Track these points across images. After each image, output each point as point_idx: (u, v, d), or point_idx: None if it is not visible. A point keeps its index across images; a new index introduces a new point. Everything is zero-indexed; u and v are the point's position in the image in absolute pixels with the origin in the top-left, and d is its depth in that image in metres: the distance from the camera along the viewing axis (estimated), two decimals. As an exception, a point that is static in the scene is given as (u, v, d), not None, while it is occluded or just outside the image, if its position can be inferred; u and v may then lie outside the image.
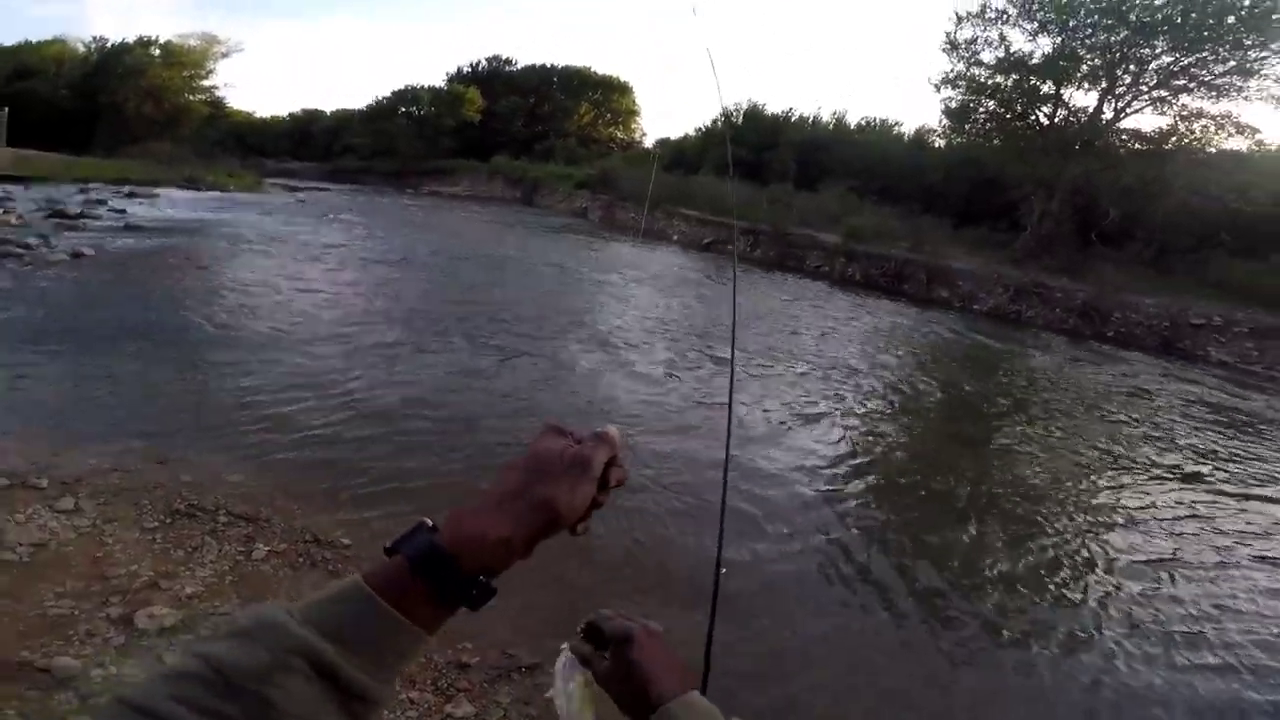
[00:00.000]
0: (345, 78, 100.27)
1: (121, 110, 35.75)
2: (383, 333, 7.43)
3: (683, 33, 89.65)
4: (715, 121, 26.58)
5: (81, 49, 39.69)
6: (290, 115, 51.56)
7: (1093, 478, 6.11)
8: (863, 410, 7.14)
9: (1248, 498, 6.08)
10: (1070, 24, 21.08)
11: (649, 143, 39.57)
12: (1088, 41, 20.95)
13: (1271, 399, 10.88)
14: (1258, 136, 20.80)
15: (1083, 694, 3.22)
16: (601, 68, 45.61)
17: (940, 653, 3.39)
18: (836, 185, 20.60)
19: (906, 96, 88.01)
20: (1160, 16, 19.59)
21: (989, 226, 19.21)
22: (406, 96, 42.55)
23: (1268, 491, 6.32)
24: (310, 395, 5.39)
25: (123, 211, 14.89)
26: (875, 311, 13.26)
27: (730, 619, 3.31)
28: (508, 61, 46.39)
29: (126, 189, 18.97)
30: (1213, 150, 21.25)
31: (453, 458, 4.63)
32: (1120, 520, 5.19)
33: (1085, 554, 4.55)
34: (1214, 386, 11.22)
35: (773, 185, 21.01)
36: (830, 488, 5.04)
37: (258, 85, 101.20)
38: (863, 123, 26.47)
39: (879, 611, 3.67)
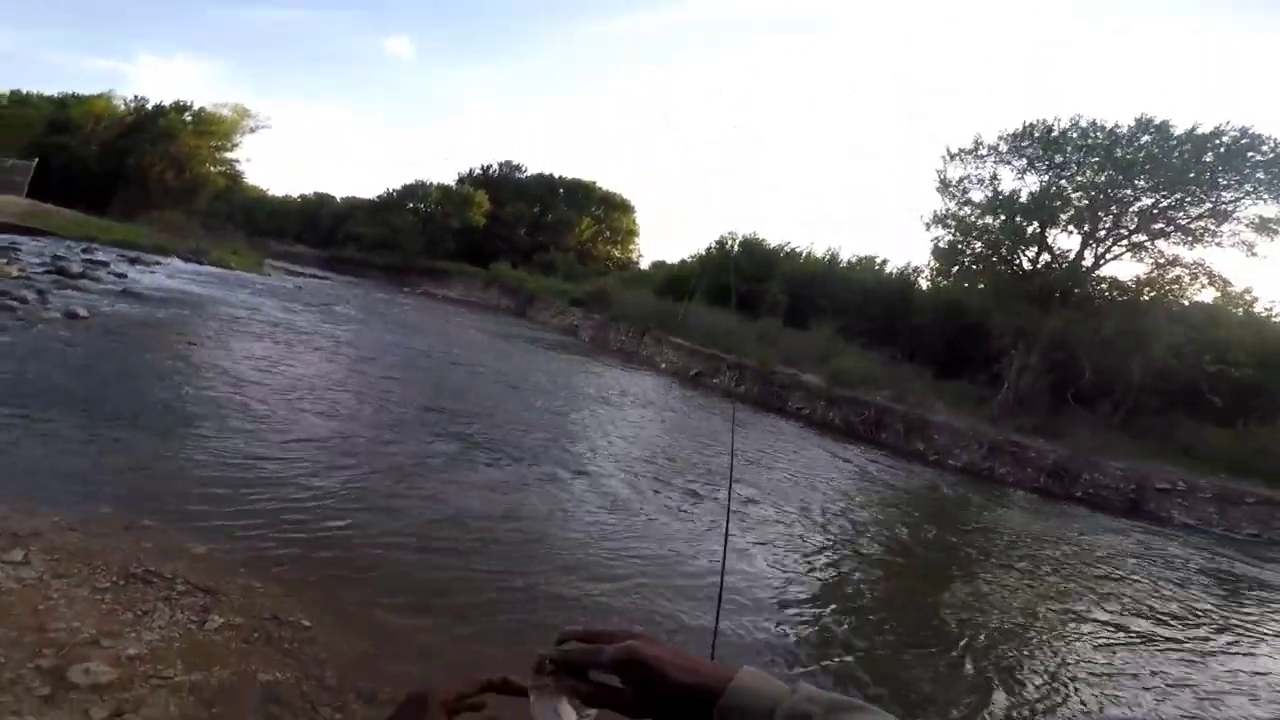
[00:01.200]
0: (358, 165, 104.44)
1: (145, 175, 36.71)
2: (364, 431, 7.46)
3: (677, 156, 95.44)
4: (710, 249, 27.89)
5: (122, 107, 40.59)
6: (301, 197, 53.30)
7: (1039, 624, 6.26)
8: (839, 554, 7.22)
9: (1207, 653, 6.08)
10: (1058, 160, 21.92)
11: (645, 264, 41.13)
12: (1075, 180, 21.71)
13: (1225, 558, 11.07)
14: (1228, 289, 21.65)
15: None
16: (605, 184, 48.08)
17: None
18: (825, 324, 21.13)
19: (893, 231, 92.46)
20: (1144, 155, 20.45)
21: (969, 379, 19.74)
22: (416, 192, 44.05)
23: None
24: (285, 481, 5.40)
25: (123, 276, 15.11)
26: (853, 459, 13.38)
27: None
28: (517, 167, 48.75)
29: (132, 254, 19.27)
30: (1186, 303, 22.04)
31: (427, 555, 4.69)
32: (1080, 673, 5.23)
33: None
34: (1181, 549, 11.37)
35: (763, 319, 21.60)
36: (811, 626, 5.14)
37: (273, 163, 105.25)
38: (853, 260, 27.58)
39: None
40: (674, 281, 25.09)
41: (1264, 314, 22.71)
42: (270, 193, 52.05)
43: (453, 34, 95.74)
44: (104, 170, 36.09)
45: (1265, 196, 19.34)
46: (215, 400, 7.25)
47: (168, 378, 7.73)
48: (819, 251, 27.97)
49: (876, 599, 6.37)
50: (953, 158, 23.29)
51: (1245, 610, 8.56)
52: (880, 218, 76.14)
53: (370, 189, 62.71)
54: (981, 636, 5.75)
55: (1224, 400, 19.61)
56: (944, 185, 23.51)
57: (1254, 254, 19.74)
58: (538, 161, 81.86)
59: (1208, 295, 21.94)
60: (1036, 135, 21.95)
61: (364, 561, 4.36)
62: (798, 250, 27.91)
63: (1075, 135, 21.59)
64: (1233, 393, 19.77)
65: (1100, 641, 6.29)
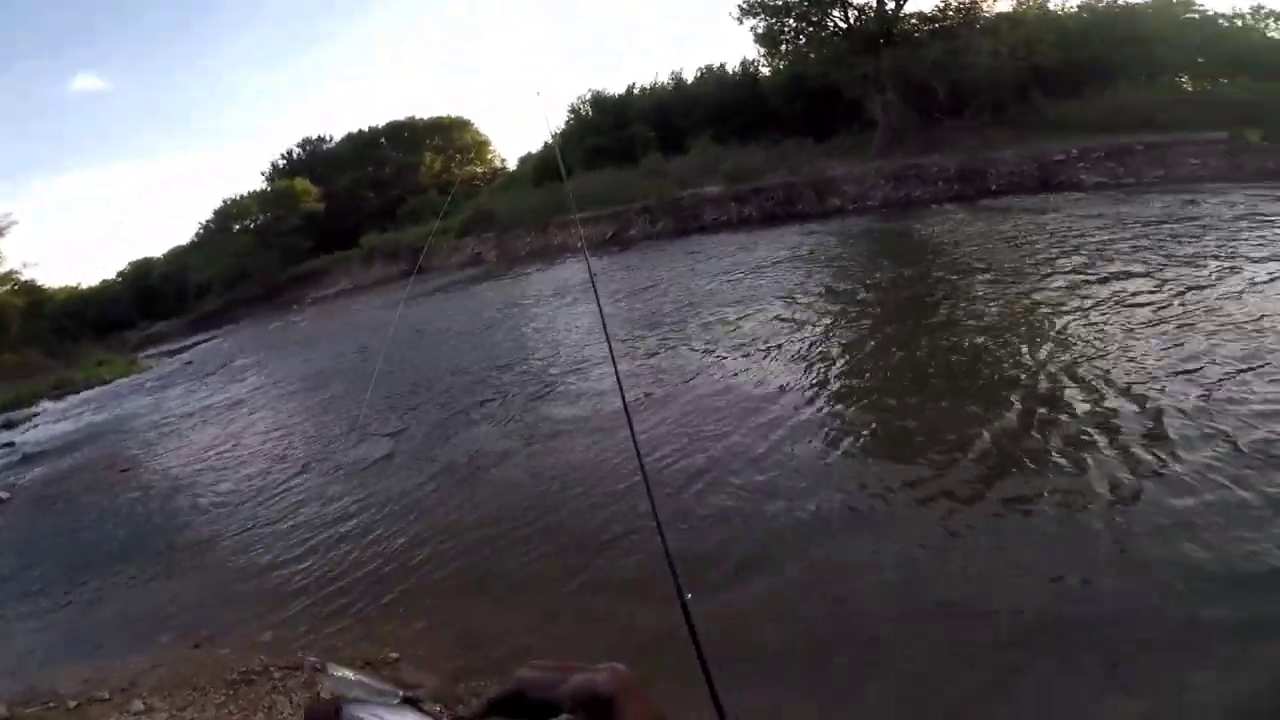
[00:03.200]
0: (161, 216, 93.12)
1: None
2: (326, 467, 7.07)
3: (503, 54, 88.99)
4: (568, 121, 26.92)
5: None
6: (119, 274, 47.73)
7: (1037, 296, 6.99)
8: (826, 323, 7.78)
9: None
10: None
11: (513, 164, 39.27)
12: None
13: (1141, 201, 12.34)
14: None
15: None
16: (428, 112, 44.76)
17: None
18: (698, 139, 21.25)
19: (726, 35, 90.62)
20: None
21: (845, 133, 20.39)
22: (231, 211, 40.02)
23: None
24: (295, 540, 5.40)
25: (10, 444, 13.48)
26: (784, 237, 13.95)
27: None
28: (322, 139, 44.78)
29: (0, 418, 17.16)
30: (990, 16, 23.69)
31: (468, 558, 4.55)
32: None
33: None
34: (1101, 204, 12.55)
35: (643, 160, 21.53)
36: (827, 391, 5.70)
37: (68, 252, 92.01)
38: (699, 74, 27.39)
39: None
40: (546, 166, 24.26)
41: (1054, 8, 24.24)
42: (83, 285, 46.27)
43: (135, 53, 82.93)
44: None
45: None
46: (180, 509, 6.90)
47: (125, 510, 7.32)
48: (664, 79, 27.68)
49: (876, 349, 6.77)
50: None
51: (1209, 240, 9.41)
52: (702, 28, 74.32)
53: (183, 232, 56.47)
54: (978, 343, 6.23)
55: (1068, 80, 21.25)
56: None
57: None
58: (344, 123, 75.09)
59: (1006, 4, 23.30)
60: None
61: (405, 583, 4.34)
62: (645, 87, 27.33)
63: None
64: (1067, 72, 21.37)
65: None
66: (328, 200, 39.01)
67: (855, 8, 23.51)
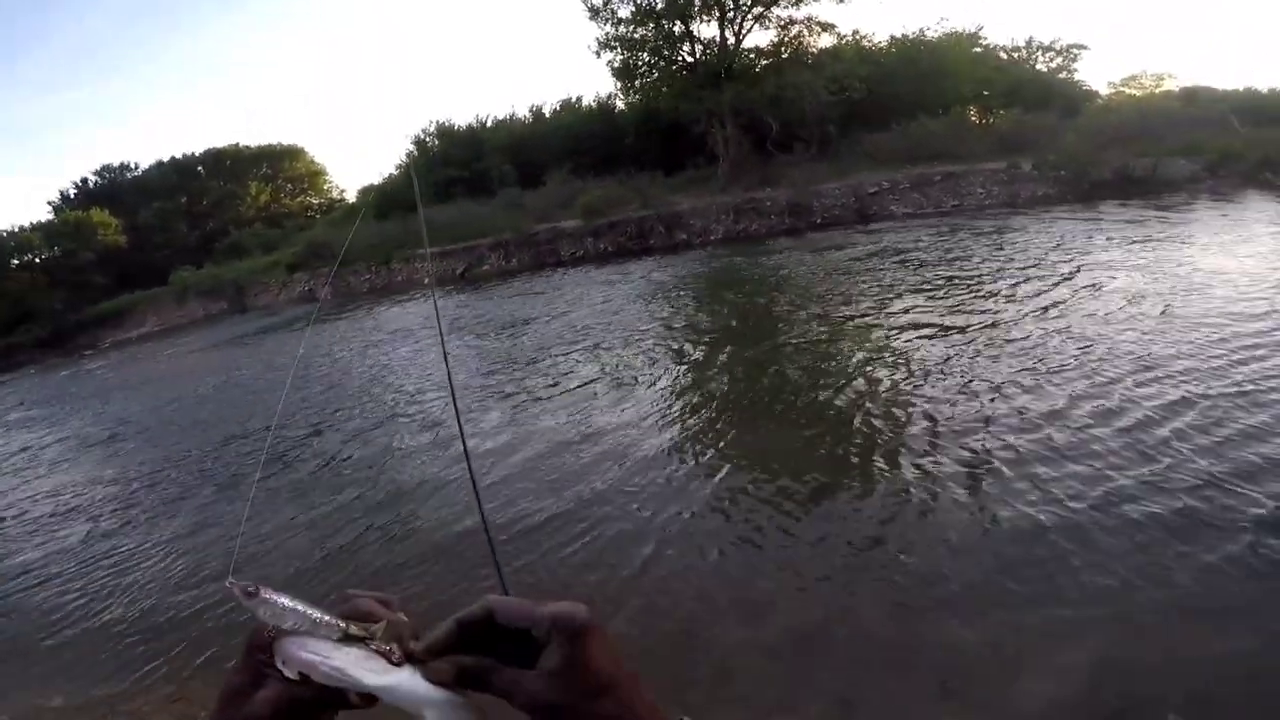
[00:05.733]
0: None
1: None
2: (135, 529, 5.91)
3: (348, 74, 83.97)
4: (410, 153, 25.81)
5: None
6: None
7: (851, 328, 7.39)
8: (668, 357, 7.80)
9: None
10: None
11: (351, 195, 36.90)
12: None
13: (938, 229, 13.97)
14: (837, 30, 25.64)
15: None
16: (260, 140, 41.13)
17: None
18: (555, 173, 21.30)
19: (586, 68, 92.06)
20: None
21: (692, 167, 21.28)
22: (9, 246, 34.31)
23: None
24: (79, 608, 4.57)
25: None
26: (636, 272, 14.13)
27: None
28: (125, 166, 39.82)
29: None
30: (814, 51, 26.24)
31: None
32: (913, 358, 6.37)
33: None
34: (904, 233, 13.99)
35: (500, 193, 21.16)
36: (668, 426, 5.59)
37: None
38: (557, 107, 27.46)
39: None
40: (390, 197, 23.02)
41: (868, 44, 27.16)
42: None
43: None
44: None
45: None
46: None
47: None
48: (521, 113, 27.52)
49: (714, 376, 6.95)
50: None
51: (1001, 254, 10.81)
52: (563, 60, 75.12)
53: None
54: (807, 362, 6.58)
55: (881, 112, 23.76)
56: (594, 12, 24.47)
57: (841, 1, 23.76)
58: (156, 150, 67.14)
59: (827, 40, 25.91)
60: None
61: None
62: (501, 118, 27.03)
63: None
64: (880, 105, 23.93)
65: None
66: (131, 233, 34.51)
67: (701, 43, 25.13)
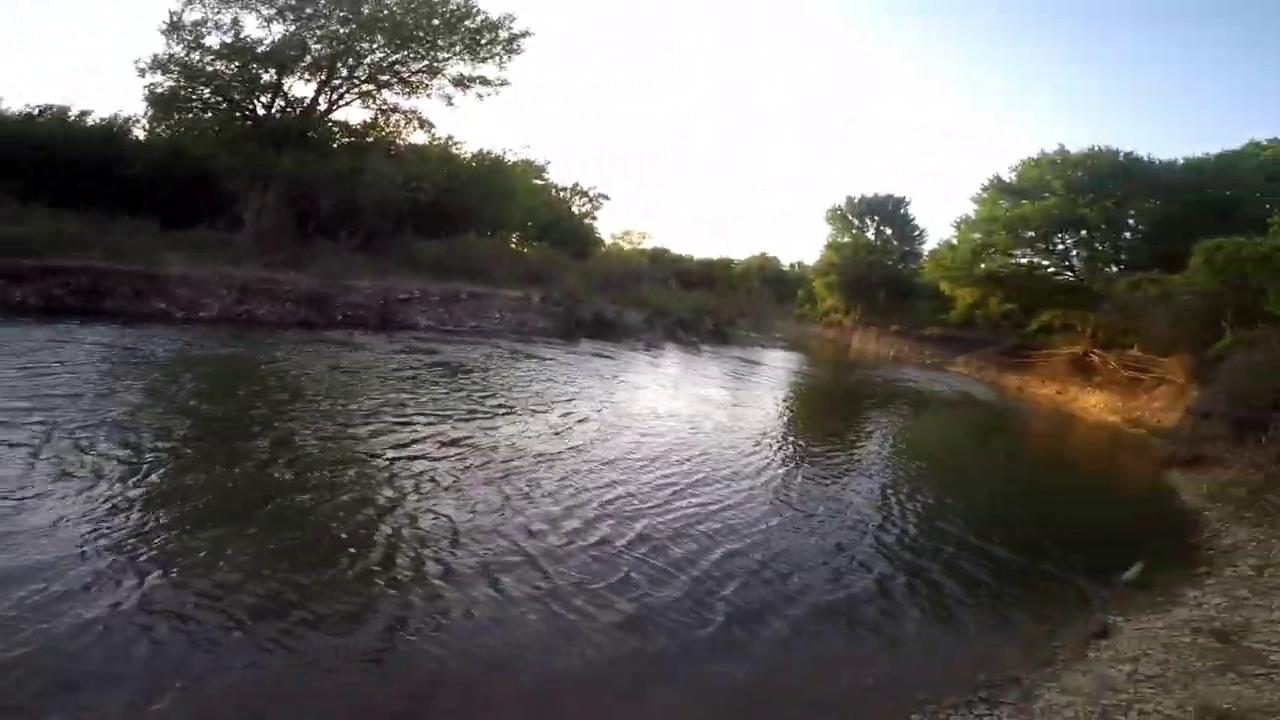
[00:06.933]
0: None
1: None
2: None
3: None
4: None
5: None
6: None
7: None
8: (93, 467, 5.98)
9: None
10: (308, 11, 22.30)
11: None
12: (319, 31, 22.60)
13: (455, 348, 14.75)
14: (434, 131, 26.91)
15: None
16: None
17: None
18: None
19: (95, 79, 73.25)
20: (386, 12, 22.69)
21: (207, 225, 18.31)
22: None
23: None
24: None
25: None
26: (75, 341, 10.89)
27: None
28: None
29: None
30: (402, 144, 26.53)
31: None
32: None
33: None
34: (422, 348, 14.35)
35: None
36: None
37: None
38: (35, 110, 20.70)
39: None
40: None
41: (456, 150, 28.70)
42: None
43: None
44: None
45: (466, 57, 24.39)
46: None
47: None
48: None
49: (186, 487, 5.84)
50: (190, 1, 21.17)
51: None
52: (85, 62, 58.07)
53: None
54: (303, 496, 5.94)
55: (438, 220, 24.68)
56: (174, 28, 21.58)
57: (452, 104, 25.19)
58: None
59: (421, 137, 26.68)
60: None
61: None
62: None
63: None
64: (441, 212, 24.96)
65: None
66: None
67: (286, 98, 23.72)
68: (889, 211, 37.51)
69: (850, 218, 37.71)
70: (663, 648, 4.34)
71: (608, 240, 38.89)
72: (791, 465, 9.34)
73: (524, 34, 24.70)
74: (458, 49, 24.31)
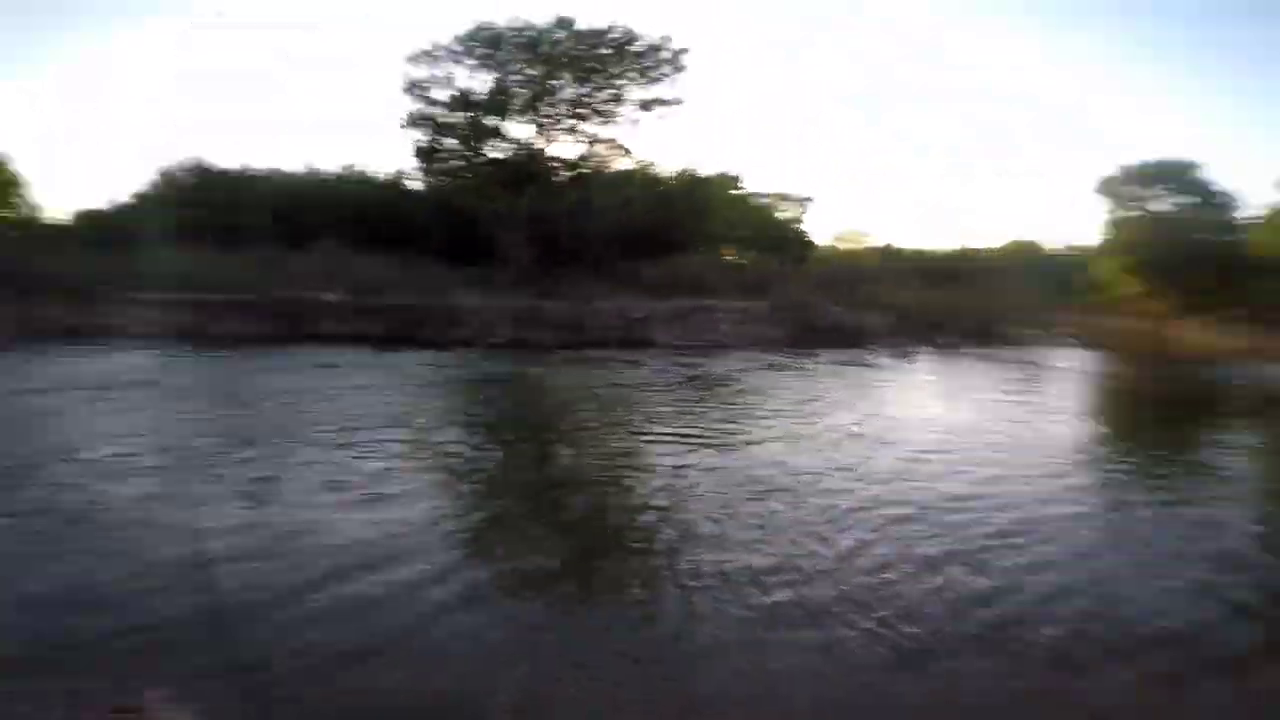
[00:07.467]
0: None
1: None
2: None
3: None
4: (155, 184, 22.28)
5: None
6: None
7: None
8: (435, 462, 7.55)
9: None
10: (500, 58, 24.77)
11: (66, 217, 30.12)
12: (516, 76, 25.01)
13: (709, 362, 15.35)
14: (635, 156, 27.92)
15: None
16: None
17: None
18: (325, 241, 19.75)
19: (381, 138, 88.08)
20: (560, 51, 24.62)
21: (480, 263, 21.25)
22: None
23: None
24: None
25: None
26: (404, 361, 13.44)
27: None
28: None
29: None
30: (612, 171, 28.15)
31: None
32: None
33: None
34: (683, 362, 15.20)
35: (254, 249, 18.90)
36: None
37: None
38: (341, 172, 25.89)
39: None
40: (113, 230, 19.44)
41: (662, 175, 30.07)
42: None
43: None
44: None
45: (641, 81, 25.68)
46: None
47: None
48: (295, 167, 25.47)
49: (467, 487, 6.91)
50: (415, 60, 24.20)
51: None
52: (360, 125, 70.77)
53: None
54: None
55: (650, 240, 26.04)
56: (411, 87, 24.66)
57: (640, 127, 26.13)
58: None
59: (626, 163, 28.26)
60: (481, 35, 23.99)
61: None
62: (271, 170, 24.67)
63: (510, 34, 24.28)
64: (653, 233, 26.29)
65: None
66: None
67: (510, 141, 26.20)
68: (1180, 176, 30.37)
69: (1133, 187, 31.13)
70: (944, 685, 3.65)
71: (824, 242, 37.04)
72: (1121, 488, 7.74)
73: (681, 51, 25.33)
74: (631, 74, 25.42)
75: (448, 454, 7.81)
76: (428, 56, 24.45)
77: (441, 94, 25.06)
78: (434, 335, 16.38)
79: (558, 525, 5.92)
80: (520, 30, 24.47)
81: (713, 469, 7.29)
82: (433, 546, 5.13)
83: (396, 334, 15.96)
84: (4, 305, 15.00)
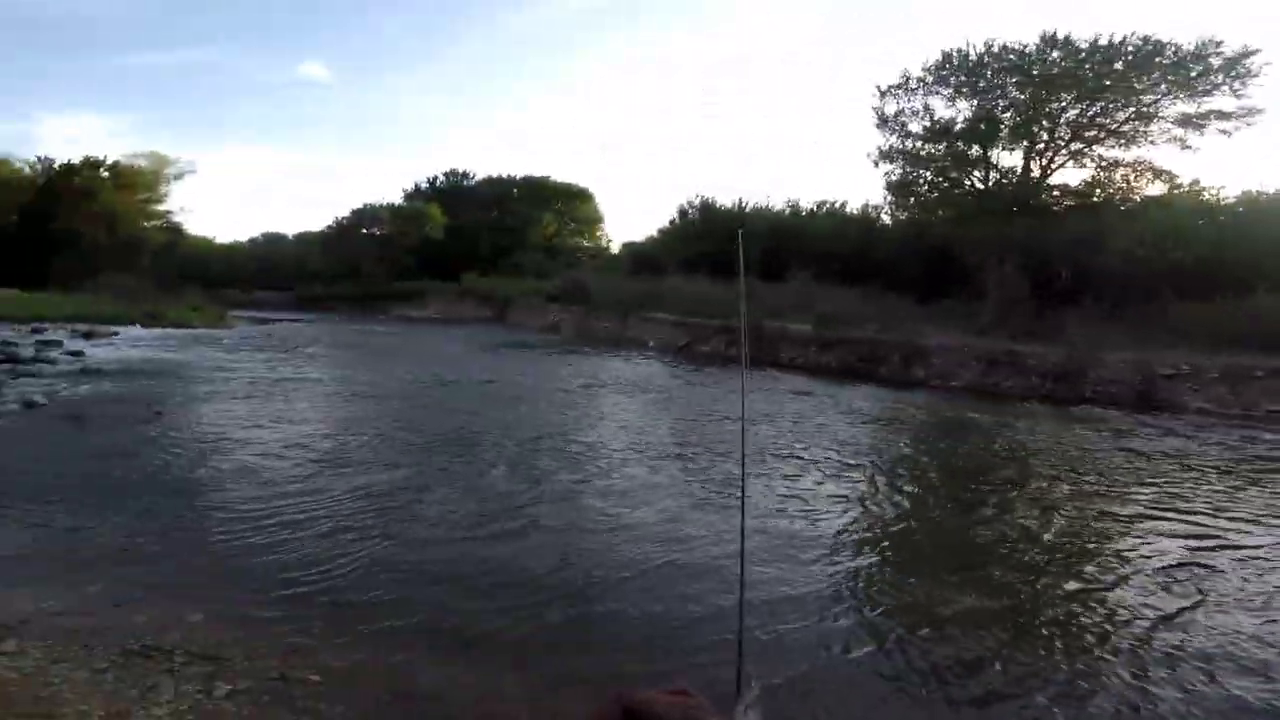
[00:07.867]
0: (305, 199, 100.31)
1: (77, 239, 34.48)
2: (355, 475, 6.99)
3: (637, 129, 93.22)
4: (673, 221, 27.75)
5: (27, 170, 38.34)
6: (251, 240, 51.61)
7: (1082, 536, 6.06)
8: (868, 493, 7.21)
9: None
10: (981, 85, 22.97)
11: (615, 248, 40.55)
12: (1000, 101, 22.86)
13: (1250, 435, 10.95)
14: (1175, 180, 22.54)
15: None
16: (561, 174, 47.45)
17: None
18: (799, 273, 21.11)
19: (849, 174, 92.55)
20: (1058, 69, 21.60)
21: (952, 299, 19.74)
22: (366, 215, 43.01)
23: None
24: (275, 535, 5.16)
25: (79, 354, 14.49)
26: (856, 398, 13.29)
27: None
28: (465, 175, 47.93)
29: (85, 327, 18.65)
30: (1138, 199, 22.94)
31: (428, 594, 4.35)
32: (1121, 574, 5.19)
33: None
34: (1189, 436, 11.23)
35: (739, 281, 21.37)
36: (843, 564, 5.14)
37: (217, 209, 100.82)
38: (814, 207, 27.63)
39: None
40: (643, 259, 24.89)
41: (1213, 199, 22.90)
42: (217, 240, 50.27)
43: (367, 49, 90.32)
44: (31, 241, 33.62)
45: (1180, 95, 20.63)
46: (191, 472, 6.82)
47: (136, 454, 7.36)
48: (778, 205, 28.14)
49: (912, 535, 6.29)
50: (885, 93, 24.15)
51: None
52: (832, 163, 75.52)
53: (320, 220, 60.77)
54: (1025, 559, 5.56)
55: (1205, 279, 19.79)
56: (882, 121, 24.66)
57: (1186, 147, 21.32)
58: (488, 164, 79.40)
59: (1158, 188, 22.82)
60: (956, 63, 22.61)
61: (364, 610, 4.07)
62: (760, 207, 27.84)
63: (990, 59, 22.29)
64: (1200, 273, 19.88)
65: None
66: (448, 231, 41.50)
67: (998, 170, 24.17)
68: None
69: None
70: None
71: None
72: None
73: (1246, 54, 18.94)
74: (1163, 88, 20.60)
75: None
76: (899, 89, 24.00)
77: (915, 125, 24.45)
78: (891, 373, 15.88)
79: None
80: (1000, 54, 22.33)
81: None
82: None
83: (852, 368, 16.02)
84: (572, 320, 20.55)
